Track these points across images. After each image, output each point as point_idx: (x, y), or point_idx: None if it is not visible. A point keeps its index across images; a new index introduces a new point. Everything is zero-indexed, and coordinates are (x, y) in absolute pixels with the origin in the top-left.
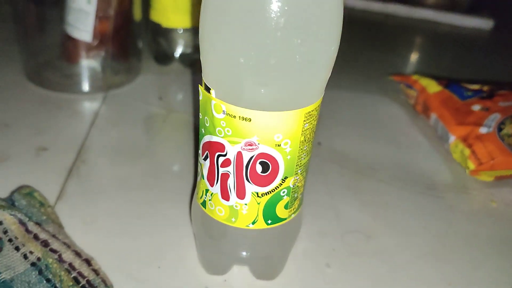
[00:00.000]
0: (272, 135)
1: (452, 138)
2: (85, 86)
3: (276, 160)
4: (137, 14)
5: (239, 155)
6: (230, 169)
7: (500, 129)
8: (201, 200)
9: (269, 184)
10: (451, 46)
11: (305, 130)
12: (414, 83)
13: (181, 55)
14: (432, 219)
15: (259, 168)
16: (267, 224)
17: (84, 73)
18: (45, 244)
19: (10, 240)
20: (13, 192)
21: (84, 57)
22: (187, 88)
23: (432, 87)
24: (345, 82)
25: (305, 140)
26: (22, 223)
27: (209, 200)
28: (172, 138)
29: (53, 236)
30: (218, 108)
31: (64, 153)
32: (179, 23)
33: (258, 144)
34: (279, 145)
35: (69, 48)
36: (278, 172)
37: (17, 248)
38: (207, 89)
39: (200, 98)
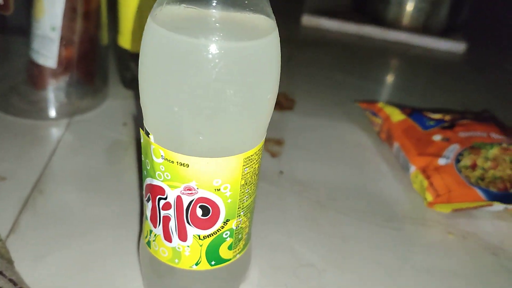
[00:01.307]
0: (211, 180)
1: (413, 168)
2: (51, 112)
3: (216, 204)
4: (104, 39)
5: (179, 199)
6: (171, 212)
7: (458, 161)
8: (146, 240)
9: (210, 227)
10: (424, 68)
11: (245, 174)
12: (379, 111)
13: None
14: (388, 252)
15: (199, 212)
16: (211, 265)
17: (50, 99)
18: None
19: None
20: None
21: (49, 83)
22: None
23: (396, 115)
24: (313, 107)
25: (246, 183)
26: None
27: (153, 240)
28: (132, 169)
29: (0, 272)
30: (157, 152)
31: (22, 183)
32: None
33: (197, 188)
34: (218, 190)
35: (34, 74)
36: (219, 215)
37: None
38: (147, 134)
39: (142, 140)
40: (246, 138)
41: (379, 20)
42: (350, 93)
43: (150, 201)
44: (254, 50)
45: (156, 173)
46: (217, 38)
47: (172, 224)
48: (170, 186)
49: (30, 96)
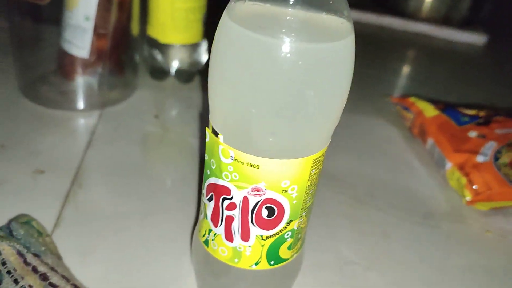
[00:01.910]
0: (279, 182)
1: (449, 165)
2: (81, 103)
3: (282, 205)
4: (135, 29)
5: (245, 199)
6: (235, 212)
7: (496, 158)
8: (204, 239)
9: (274, 228)
10: (445, 61)
11: (312, 175)
12: (411, 106)
13: (177, 70)
14: (429, 250)
15: (264, 213)
16: (270, 265)
17: (80, 90)
18: (44, 277)
19: (8, 272)
20: (10, 221)
21: (80, 74)
22: (183, 106)
23: (429, 111)
24: None
25: (311, 185)
26: (20, 254)
27: (212, 239)
28: (170, 161)
29: (52, 269)
30: (226, 153)
31: (60, 176)
32: (176, 39)
33: (265, 189)
34: (286, 191)
35: (65, 65)
36: (284, 216)
37: (15, 281)
38: (215, 133)
39: (207, 140)
40: (317, 139)
41: (400, 11)
42: (375, 87)
43: (213, 200)
44: (332, 52)
45: (223, 173)
46: (297, 39)
47: (235, 224)
48: (237, 187)
49: (60, 87)
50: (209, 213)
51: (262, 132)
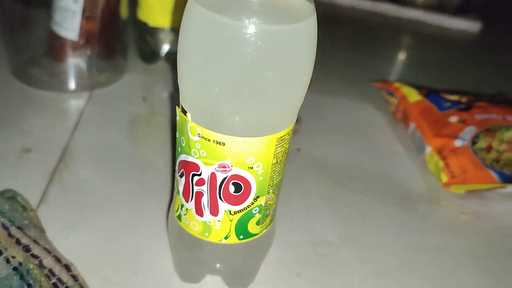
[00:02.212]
0: (245, 159)
1: (428, 149)
2: (71, 85)
3: (249, 181)
4: (124, 12)
5: (212, 175)
6: (204, 188)
7: (474, 143)
8: (177, 214)
9: (241, 203)
10: (438, 47)
11: (277, 153)
12: (395, 91)
13: (167, 53)
14: (404, 231)
15: (231, 189)
16: (239, 239)
17: (70, 71)
18: (26, 249)
19: None
20: None
21: (70, 56)
22: (171, 89)
23: (413, 96)
24: (328, 87)
25: (277, 162)
26: (5, 227)
27: (184, 214)
28: (155, 143)
29: (34, 241)
30: (193, 130)
31: (47, 156)
32: (165, 22)
33: (231, 166)
34: (251, 168)
35: (55, 47)
36: (250, 192)
37: None
38: (184, 112)
39: (177, 118)
40: (281, 118)
41: None
42: (364, 72)
43: (184, 176)
44: (294, 33)
45: (192, 150)
46: (258, 21)
47: (205, 199)
48: (205, 163)
49: (50, 68)
50: (181, 188)
51: (226, 111)
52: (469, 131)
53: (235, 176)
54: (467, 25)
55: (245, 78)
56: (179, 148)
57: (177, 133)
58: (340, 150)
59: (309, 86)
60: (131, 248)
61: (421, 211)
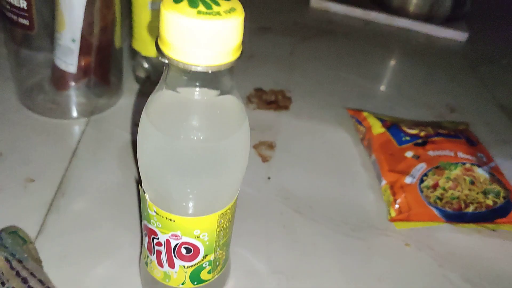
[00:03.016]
0: (191, 231)
1: (383, 182)
2: (72, 112)
3: (197, 246)
4: (118, 43)
5: (167, 241)
6: (162, 248)
7: (422, 181)
8: (145, 260)
9: (192, 261)
10: (426, 56)
11: (220, 224)
12: (363, 120)
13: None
14: (350, 261)
15: (183, 251)
16: (194, 284)
17: (71, 100)
18: (24, 281)
19: None
20: (1, 231)
21: (70, 86)
22: None
23: (377, 128)
24: (308, 108)
25: (221, 230)
26: (7, 260)
27: (150, 262)
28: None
29: (32, 273)
30: (151, 207)
31: (47, 185)
32: (156, 53)
33: (181, 236)
34: (198, 237)
35: (56, 77)
36: (200, 253)
37: (2, 283)
38: (144, 191)
39: (140, 193)
40: (220, 202)
41: (386, 6)
42: (348, 91)
43: (147, 237)
44: (228, 145)
45: (151, 220)
46: (197, 139)
47: (163, 256)
48: (161, 232)
49: (53, 96)
50: (145, 244)
51: (175, 200)
52: (420, 168)
53: (185, 243)
54: (455, 35)
55: (188, 178)
56: (143, 214)
57: (140, 201)
58: (307, 179)
59: (288, 107)
60: (115, 277)
61: (370, 241)
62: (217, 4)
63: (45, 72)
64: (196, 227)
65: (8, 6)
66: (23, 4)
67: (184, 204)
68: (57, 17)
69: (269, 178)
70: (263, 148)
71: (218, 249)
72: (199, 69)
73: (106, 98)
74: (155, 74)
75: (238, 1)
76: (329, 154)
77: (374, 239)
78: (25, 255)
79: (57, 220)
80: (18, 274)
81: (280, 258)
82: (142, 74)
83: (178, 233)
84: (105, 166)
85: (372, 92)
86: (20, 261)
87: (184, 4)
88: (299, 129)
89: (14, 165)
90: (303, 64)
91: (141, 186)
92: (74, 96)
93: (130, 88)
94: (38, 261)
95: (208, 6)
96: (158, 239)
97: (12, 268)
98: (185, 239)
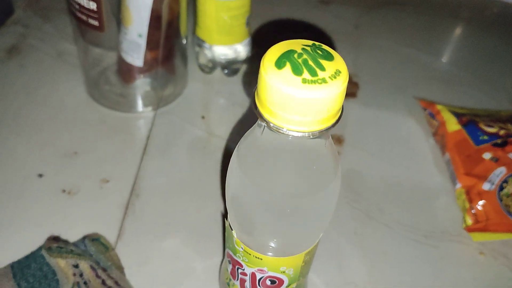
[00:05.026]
0: (278, 267)
1: (458, 185)
2: (138, 106)
3: (282, 279)
4: (183, 31)
5: (253, 274)
6: (247, 278)
7: (501, 188)
8: (226, 281)
9: None
10: (499, 29)
11: (306, 259)
12: (437, 114)
13: (223, 66)
14: (422, 269)
15: (268, 282)
16: None
17: (137, 93)
18: None
19: (85, 283)
20: (84, 238)
21: (136, 78)
22: (228, 104)
23: (452, 124)
24: (376, 95)
25: (306, 264)
26: (93, 268)
27: (232, 285)
28: (211, 171)
29: (116, 282)
30: (238, 243)
31: (122, 186)
32: (221, 42)
33: (268, 271)
34: (284, 272)
35: (123, 70)
36: (283, 283)
37: None
38: (230, 227)
39: (226, 225)
40: (308, 243)
41: None
42: (419, 74)
43: (231, 264)
44: (321, 197)
45: (237, 254)
46: (288, 194)
47: (247, 284)
48: (247, 265)
49: (120, 89)
50: (229, 269)
51: (263, 242)
52: (499, 172)
53: (270, 276)
54: None
55: (280, 229)
56: (228, 243)
57: (226, 232)
58: (376, 179)
59: (355, 95)
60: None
61: (442, 249)
62: (322, 69)
63: (110, 62)
64: (283, 265)
65: (77, 7)
66: (93, 6)
67: (272, 247)
68: (123, 12)
69: None
70: None
71: (301, 277)
72: (300, 135)
73: (172, 88)
74: (218, 63)
75: (341, 58)
76: (400, 150)
77: (447, 247)
78: (109, 263)
79: (134, 224)
80: (103, 283)
81: (352, 268)
82: (205, 62)
83: (265, 269)
84: (175, 164)
85: (445, 76)
86: (104, 270)
87: (288, 71)
88: (368, 120)
89: (90, 164)
90: (369, 40)
91: (227, 219)
92: (141, 88)
93: (194, 77)
94: (121, 269)
95: (313, 73)
96: (243, 270)
97: (97, 276)
98: (271, 273)
